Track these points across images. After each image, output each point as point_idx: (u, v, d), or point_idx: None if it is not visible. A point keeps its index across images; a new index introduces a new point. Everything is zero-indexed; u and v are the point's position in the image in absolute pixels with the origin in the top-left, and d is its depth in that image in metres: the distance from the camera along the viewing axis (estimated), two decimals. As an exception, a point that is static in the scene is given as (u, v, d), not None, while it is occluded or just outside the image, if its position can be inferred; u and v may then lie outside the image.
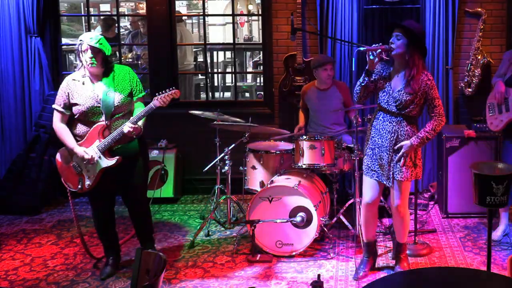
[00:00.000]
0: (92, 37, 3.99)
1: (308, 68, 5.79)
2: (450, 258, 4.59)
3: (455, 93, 5.94)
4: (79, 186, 4.11)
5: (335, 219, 4.98)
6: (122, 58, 7.05)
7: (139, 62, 7.82)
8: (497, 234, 4.86)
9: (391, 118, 4.01)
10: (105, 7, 11.36)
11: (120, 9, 8.31)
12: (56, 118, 4.10)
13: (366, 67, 3.98)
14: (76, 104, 4.02)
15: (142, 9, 10.14)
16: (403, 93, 3.93)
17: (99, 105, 4.00)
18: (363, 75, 4.01)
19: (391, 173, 4.02)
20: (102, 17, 8.20)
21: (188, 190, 6.21)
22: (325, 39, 5.81)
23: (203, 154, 5.77)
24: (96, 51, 3.98)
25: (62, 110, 4.07)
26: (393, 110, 3.99)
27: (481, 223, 5.25)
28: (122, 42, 6.54)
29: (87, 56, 3.97)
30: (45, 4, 5.88)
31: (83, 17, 11.00)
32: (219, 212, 5.39)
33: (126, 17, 9.74)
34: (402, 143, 3.97)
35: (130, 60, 7.98)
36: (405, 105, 3.94)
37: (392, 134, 3.99)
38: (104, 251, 4.43)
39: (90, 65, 3.99)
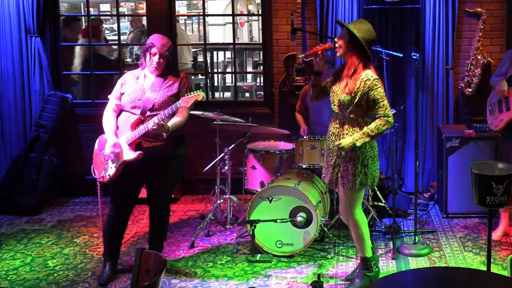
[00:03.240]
0: (163, 44, 4.15)
1: (308, 68, 5.79)
2: (450, 258, 4.59)
3: (455, 93, 5.94)
4: (102, 175, 4.19)
5: (335, 219, 4.98)
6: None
7: (140, 62, 7.81)
8: (497, 234, 4.86)
9: (336, 120, 3.97)
10: (105, 7, 11.36)
11: (120, 9, 8.32)
12: (108, 106, 4.26)
13: (315, 69, 4.01)
14: (123, 94, 4.18)
15: (142, 9, 10.14)
16: (342, 93, 3.89)
17: (141, 98, 4.12)
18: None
19: (334, 177, 3.97)
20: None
21: (188, 190, 6.20)
22: (325, 39, 5.81)
23: (203, 154, 5.77)
24: (163, 57, 4.15)
25: (113, 100, 4.23)
26: (337, 111, 3.95)
27: (481, 223, 5.25)
28: (122, 42, 6.54)
29: (154, 60, 4.14)
30: (45, 4, 5.87)
31: (83, 17, 10.99)
32: (219, 212, 5.39)
33: (126, 17, 9.74)
34: (343, 140, 3.87)
35: (130, 60, 7.98)
36: (345, 106, 3.87)
37: (336, 136, 3.94)
38: (104, 254, 4.36)
39: (154, 68, 4.16)
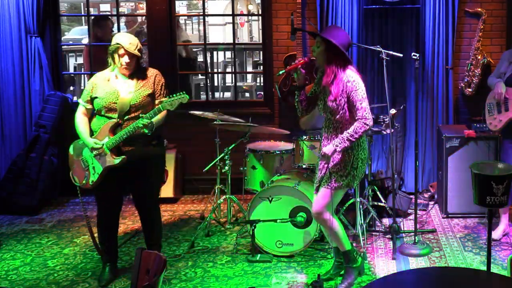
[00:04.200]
0: (131, 42, 4.02)
1: (308, 68, 5.78)
2: (450, 258, 4.59)
3: (455, 93, 5.94)
4: (84, 182, 4.11)
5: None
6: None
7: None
8: (497, 233, 4.87)
9: (328, 125, 3.98)
10: (105, 7, 11.38)
11: (120, 9, 8.31)
12: (78, 110, 4.15)
13: (297, 84, 4.03)
14: (96, 98, 4.06)
15: (142, 9, 10.15)
16: (328, 99, 3.89)
17: (116, 101, 4.02)
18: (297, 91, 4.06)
19: (318, 180, 3.98)
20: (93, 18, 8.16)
21: (188, 190, 6.21)
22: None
23: (203, 154, 5.77)
24: (132, 56, 4.03)
25: (84, 104, 4.11)
26: (328, 117, 3.96)
27: (481, 223, 5.25)
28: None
29: (123, 60, 4.01)
30: (45, 4, 5.87)
31: (83, 17, 11.01)
32: (219, 212, 5.39)
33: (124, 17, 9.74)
34: (324, 148, 3.89)
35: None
36: (334, 111, 3.87)
37: (328, 140, 3.95)
38: (102, 255, 4.35)
39: (125, 68, 4.04)
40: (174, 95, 3.99)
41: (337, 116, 3.88)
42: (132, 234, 5.08)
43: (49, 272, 4.43)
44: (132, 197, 4.32)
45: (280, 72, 4.15)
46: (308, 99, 4.07)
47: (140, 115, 3.98)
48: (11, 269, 4.47)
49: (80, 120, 4.13)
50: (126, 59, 4.01)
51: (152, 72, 4.20)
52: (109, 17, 7.73)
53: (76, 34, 10.96)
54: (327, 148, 3.85)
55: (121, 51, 4.00)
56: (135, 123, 3.95)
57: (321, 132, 4.08)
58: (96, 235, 4.34)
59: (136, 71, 4.12)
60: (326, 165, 3.94)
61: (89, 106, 4.12)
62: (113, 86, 4.06)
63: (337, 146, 3.81)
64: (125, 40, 4.02)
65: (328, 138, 3.96)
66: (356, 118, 3.82)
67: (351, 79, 3.83)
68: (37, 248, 4.85)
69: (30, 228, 5.30)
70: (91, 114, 4.16)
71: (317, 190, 4.02)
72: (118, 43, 4.00)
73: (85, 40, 9.81)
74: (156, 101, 4.14)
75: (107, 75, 4.12)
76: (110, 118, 4.03)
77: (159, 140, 4.24)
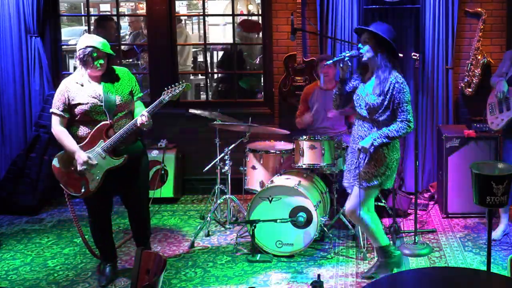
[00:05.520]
0: (103, 43, 3.95)
1: (308, 68, 5.79)
2: (450, 258, 4.59)
3: (455, 93, 5.94)
4: (83, 190, 4.00)
5: (335, 219, 4.98)
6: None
7: (139, 62, 7.82)
8: (497, 233, 4.87)
9: (363, 123, 3.97)
10: (105, 7, 11.37)
11: (120, 9, 8.31)
12: (55, 122, 3.98)
13: (340, 76, 4.03)
14: (78, 104, 3.94)
15: (142, 9, 10.14)
16: (372, 96, 3.89)
17: (101, 104, 3.95)
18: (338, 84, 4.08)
19: (352, 178, 4.00)
20: (96, 18, 8.17)
21: (188, 190, 6.20)
22: (325, 39, 5.81)
23: (203, 154, 5.77)
24: (105, 56, 3.96)
25: (60, 113, 3.96)
26: (364, 115, 3.96)
27: (481, 223, 5.25)
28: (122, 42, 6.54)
29: (99, 62, 3.92)
30: (45, 4, 5.87)
31: (83, 17, 11.01)
32: (219, 212, 5.39)
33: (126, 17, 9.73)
34: (362, 141, 3.91)
35: (130, 60, 7.98)
36: (374, 109, 3.89)
37: (359, 139, 3.95)
38: (100, 256, 4.35)
39: (99, 70, 3.96)
40: (174, 85, 3.99)
41: (376, 115, 3.89)
42: (132, 235, 5.07)
43: (49, 272, 4.43)
44: (123, 196, 4.28)
45: (328, 62, 4.21)
46: (346, 95, 4.06)
47: (144, 111, 3.97)
48: (11, 269, 4.48)
49: (62, 132, 3.96)
50: (101, 61, 3.94)
51: (122, 70, 4.17)
52: (111, 17, 7.70)
53: (65, 35, 10.95)
54: (365, 142, 3.87)
55: (96, 54, 3.91)
56: (129, 125, 3.94)
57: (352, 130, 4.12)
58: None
59: (106, 71, 4.04)
60: (358, 164, 3.93)
61: (67, 115, 3.98)
62: (92, 89, 3.98)
63: (375, 140, 3.83)
64: (97, 42, 3.95)
65: (359, 137, 3.96)
66: (400, 119, 3.84)
67: (400, 80, 3.86)
68: (37, 248, 4.85)
69: (30, 228, 5.30)
70: (69, 123, 4.00)
71: (351, 189, 4.05)
72: (91, 46, 3.91)
73: (73, 42, 9.84)
74: (134, 98, 4.13)
75: (78, 80, 4.00)
76: (98, 121, 3.95)
77: (141, 136, 4.23)
